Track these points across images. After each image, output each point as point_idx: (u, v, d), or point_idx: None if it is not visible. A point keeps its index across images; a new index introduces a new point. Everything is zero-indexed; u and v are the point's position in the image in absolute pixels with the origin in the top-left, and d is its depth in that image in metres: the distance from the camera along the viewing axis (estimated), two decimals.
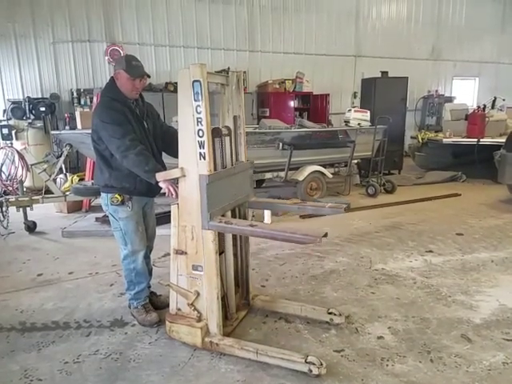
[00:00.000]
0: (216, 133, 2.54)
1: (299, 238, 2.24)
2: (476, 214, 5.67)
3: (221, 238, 2.67)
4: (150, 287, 3.13)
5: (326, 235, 2.19)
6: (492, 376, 2.32)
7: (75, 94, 7.83)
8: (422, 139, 8.56)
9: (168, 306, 2.78)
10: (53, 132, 6.60)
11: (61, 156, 5.55)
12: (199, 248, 2.52)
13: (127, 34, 8.39)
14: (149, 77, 2.83)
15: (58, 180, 6.27)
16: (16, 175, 6.83)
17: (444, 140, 8.02)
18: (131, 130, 2.65)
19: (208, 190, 2.35)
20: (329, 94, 9.75)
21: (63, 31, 7.91)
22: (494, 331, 2.77)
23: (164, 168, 2.70)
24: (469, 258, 4.10)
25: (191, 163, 2.40)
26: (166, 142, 2.94)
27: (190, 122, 2.31)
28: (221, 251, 2.71)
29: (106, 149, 2.70)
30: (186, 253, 2.58)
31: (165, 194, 2.61)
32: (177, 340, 2.69)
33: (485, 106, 8.38)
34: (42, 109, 7.26)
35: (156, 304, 3.14)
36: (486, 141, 7.55)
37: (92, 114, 2.79)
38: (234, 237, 2.85)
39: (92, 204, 6.19)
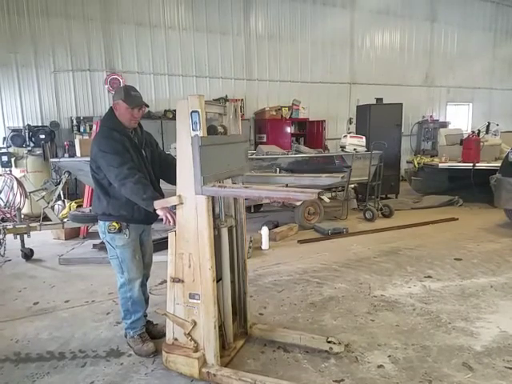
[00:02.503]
0: (213, 130, 2.58)
1: (295, 195, 2.22)
2: (474, 238, 5.68)
3: (218, 264, 2.67)
4: (146, 316, 3.10)
5: (321, 193, 2.15)
6: None
7: (75, 122, 7.94)
8: (418, 164, 8.65)
9: (165, 335, 2.75)
10: (52, 160, 6.65)
11: (59, 183, 5.58)
12: (196, 276, 2.52)
13: (127, 62, 8.58)
14: (147, 106, 2.90)
15: (56, 207, 6.28)
16: (14, 202, 6.85)
17: (440, 165, 8.11)
18: (129, 158, 2.69)
19: (201, 153, 2.31)
20: (324, 120, 9.92)
21: (64, 60, 8.09)
22: (496, 359, 2.73)
23: (162, 195, 2.72)
24: (468, 283, 4.08)
25: (189, 191, 2.42)
26: (163, 169, 2.98)
27: (188, 150, 2.35)
28: (218, 278, 2.70)
29: (105, 177, 2.73)
30: (182, 281, 2.57)
31: (162, 220, 2.62)
32: (174, 371, 2.64)
33: (479, 130, 8.51)
34: (42, 136, 7.34)
35: (153, 333, 3.10)
36: (481, 165, 7.63)
37: (91, 143, 2.84)
38: (232, 263, 2.85)
39: (90, 231, 6.18)
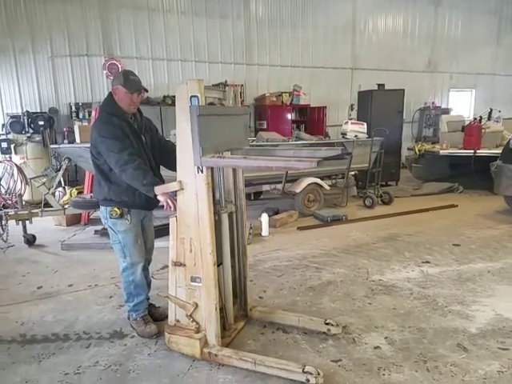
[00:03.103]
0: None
1: (295, 164, 2.22)
2: (473, 224, 5.72)
3: (218, 249, 2.71)
4: (148, 299, 3.16)
5: (321, 162, 2.14)
6: None
7: (74, 108, 7.89)
8: (419, 151, 8.63)
9: (167, 317, 2.81)
10: (52, 146, 6.65)
11: (59, 170, 5.60)
12: (197, 260, 2.56)
13: (125, 48, 8.48)
14: (146, 91, 2.90)
15: (56, 193, 6.31)
16: (15, 189, 6.88)
17: (441, 151, 8.08)
18: (129, 144, 2.71)
19: (199, 123, 2.30)
20: (326, 107, 9.86)
21: (61, 45, 7.99)
22: (490, 340, 2.80)
23: (162, 181, 2.74)
24: (465, 268, 4.13)
25: (189, 176, 2.45)
26: (163, 155, 3.00)
27: (187, 136, 2.37)
28: (219, 263, 2.75)
29: (105, 163, 2.75)
30: (184, 265, 2.62)
31: (163, 207, 2.65)
32: (176, 351, 2.71)
33: (481, 117, 8.47)
34: (41, 123, 7.32)
35: (155, 315, 3.16)
36: (482, 152, 7.61)
37: (91, 129, 2.85)
38: (232, 248, 2.89)
39: (91, 217, 6.23)
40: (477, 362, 2.57)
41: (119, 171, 2.65)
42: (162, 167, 3.01)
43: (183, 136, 2.40)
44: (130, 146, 2.70)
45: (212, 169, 2.59)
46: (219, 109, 2.65)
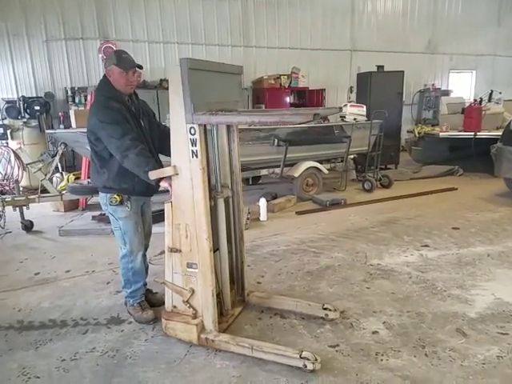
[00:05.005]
0: None
1: (290, 118, 2.15)
2: (472, 207, 5.69)
3: (215, 234, 2.68)
4: (146, 285, 3.14)
5: (317, 115, 2.05)
6: (486, 370, 2.34)
7: (69, 93, 7.79)
8: (419, 133, 8.54)
9: (164, 303, 2.79)
10: (47, 131, 6.57)
11: (56, 155, 5.54)
12: (193, 246, 2.53)
13: (120, 30, 8.32)
14: (141, 68, 2.80)
15: (54, 179, 6.26)
16: (12, 175, 6.83)
17: (440, 134, 8.01)
18: (130, 129, 2.63)
19: (190, 77, 2.19)
20: (324, 89, 9.73)
21: (56, 29, 7.85)
22: (489, 325, 2.78)
23: (162, 167, 2.67)
24: (465, 252, 4.11)
25: (183, 161, 2.39)
26: (162, 141, 2.91)
27: (181, 119, 2.30)
28: (215, 249, 2.72)
29: (105, 149, 2.67)
30: (180, 251, 2.59)
31: (164, 191, 2.58)
32: (173, 337, 2.70)
33: (481, 99, 8.36)
34: (37, 108, 7.25)
35: (152, 301, 3.15)
36: (482, 134, 7.53)
37: (88, 114, 2.75)
38: (229, 233, 2.86)
39: (88, 202, 6.19)
40: (476, 346, 2.55)
41: (121, 157, 2.57)
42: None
43: (177, 120, 2.34)
44: (131, 131, 2.62)
45: (207, 148, 2.52)
46: (211, 64, 2.53)
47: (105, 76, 2.75)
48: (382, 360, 2.44)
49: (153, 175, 2.48)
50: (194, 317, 2.62)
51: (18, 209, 5.15)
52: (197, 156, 2.35)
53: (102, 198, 2.87)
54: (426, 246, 4.30)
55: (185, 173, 2.42)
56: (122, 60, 2.67)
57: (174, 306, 2.72)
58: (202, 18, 8.97)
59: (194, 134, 2.32)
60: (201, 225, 2.47)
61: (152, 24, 8.57)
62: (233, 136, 2.80)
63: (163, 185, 2.55)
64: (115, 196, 2.75)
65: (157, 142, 2.91)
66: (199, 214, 2.45)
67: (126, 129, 2.60)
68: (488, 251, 4.10)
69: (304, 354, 2.31)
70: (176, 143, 2.40)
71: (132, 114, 2.73)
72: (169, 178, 2.50)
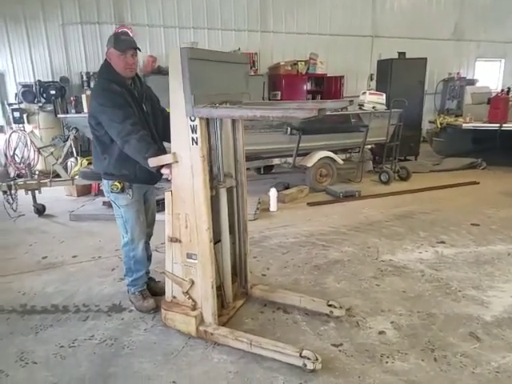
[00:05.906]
0: None
1: (293, 113, 2.04)
2: (494, 203, 5.41)
3: (216, 225, 2.58)
4: (148, 273, 3.09)
5: (322, 110, 1.94)
6: (500, 379, 2.18)
7: (85, 78, 7.77)
8: (441, 124, 8.22)
9: None
10: (59, 116, 6.58)
11: (67, 140, 5.54)
12: (193, 236, 2.45)
13: (136, 15, 8.22)
14: (139, 50, 2.69)
15: (68, 163, 6.30)
16: (28, 158, 6.90)
17: (464, 125, 7.68)
18: (132, 113, 2.55)
19: (190, 67, 2.10)
20: (343, 76, 9.44)
21: (72, 13, 7.80)
22: (506, 330, 2.60)
23: (165, 154, 2.58)
24: (483, 250, 3.90)
25: (184, 148, 2.30)
26: (166, 128, 2.81)
27: (181, 105, 2.19)
28: (217, 240, 2.63)
29: (105, 134, 2.60)
30: (180, 241, 2.51)
31: (168, 179, 2.50)
32: (172, 328, 2.65)
33: (509, 88, 7.97)
34: (53, 92, 7.25)
35: (154, 290, 3.10)
36: (509, 126, 7.19)
37: (90, 98, 2.69)
38: (232, 224, 2.76)
39: (101, 188, 6.20)
40: (490, 353, 2.38)
41: (121, 142, 2.50)
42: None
43: (177, 105, 2.23)
44: (133, 115, 2.54)
45: (209, 137, 2.41)
46: (214, 54, 2.40)
47: (106, 59, 2.67)
48: (387, 362, 2.32)
49: (152, 162, 2.39)
50: (193, 308, 2.56)
51: (30, 192, 5.19)
52: (197, 143, 2.24)
53: (104, 184, 2.83)
54: (443, 242, 4.11)
55: (185, 161, 2.32)
56: (119, 41, 2.58)
57: (174, 297, 2.66)
58: (218, 2, 8.78)
59: (194, 121, 2.21)
60: (201, 215, 2.38)
61: (168, 8, 8.43)
62: (238, 124, 2.68)
63: (164, 172, 2.46)
64: (116, 183, 2.69)
65: (160, 129, 2.81)
66: (199, 203, 2.36)
67: (127, 113, 2.51)
68: (509, 250, 3.88)
69: (304, 352, 2.21)
70: (176, 129, 2.31)
71: (134, 99, 2.64)
72: (170, 165, 2.40)
